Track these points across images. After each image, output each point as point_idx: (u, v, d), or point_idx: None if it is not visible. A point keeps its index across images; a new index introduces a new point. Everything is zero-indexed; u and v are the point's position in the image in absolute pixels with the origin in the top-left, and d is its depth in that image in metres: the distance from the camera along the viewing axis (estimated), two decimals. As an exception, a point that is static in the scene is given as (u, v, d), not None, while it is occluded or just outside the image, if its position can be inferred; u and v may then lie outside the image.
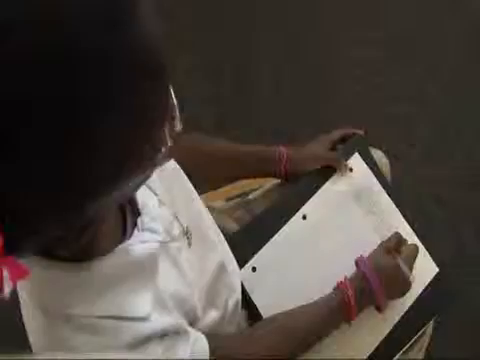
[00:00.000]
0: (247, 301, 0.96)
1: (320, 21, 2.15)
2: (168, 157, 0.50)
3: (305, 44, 2.10)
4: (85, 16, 0.38)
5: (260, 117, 1.95)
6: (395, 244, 0.96)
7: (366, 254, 0.96)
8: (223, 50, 2.12)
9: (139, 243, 0.64)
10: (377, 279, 0.91)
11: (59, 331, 0.58)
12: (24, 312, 0.63)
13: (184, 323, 0.69)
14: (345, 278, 0.93)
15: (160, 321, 0.64)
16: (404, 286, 0.95)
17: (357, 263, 0.95)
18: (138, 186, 0.53)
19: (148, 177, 0.52)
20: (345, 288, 0.91)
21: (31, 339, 0.62)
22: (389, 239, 0.98)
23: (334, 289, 0.93)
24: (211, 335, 0.74)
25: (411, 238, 1.02)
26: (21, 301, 0.63)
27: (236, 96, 2.00)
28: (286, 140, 1.83)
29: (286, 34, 2.13)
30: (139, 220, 0.66)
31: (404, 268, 0.92)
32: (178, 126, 0.49)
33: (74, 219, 0.43)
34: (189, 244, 0.77)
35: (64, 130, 0.38)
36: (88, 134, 0.39)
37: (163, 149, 0.48)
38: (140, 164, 0.46)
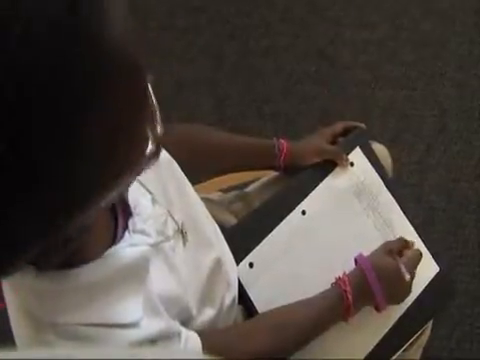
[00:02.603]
0: (243, 296, 0.94)
1: (324, 5, 2.12)
2: (153, 161, 0.47)
3: (308, 29, 2.07)
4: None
5: (260, 104, 1.92)
6: (398, 246, 0.94)
7: (365, 250, 0.94)
8: (223, 33, 2.09)
9: (129, 246, 0.62)
10: (376, 278, 0.89)
11: (46, 338, 0.56)
12: (11, 317, 0.62)
13: (176, 324, 0.68)
14: (344, 274, 0.91)
15: (151, 327, 0.62)
16: (404, 290, 0.93)
17: (356, 260, 0.93)
18: (124, 189, 0.51)
19: (132, 181, 0.50)
20: (343, 284, 0.89)
21: (18, 344, 0.61)
22: (393, 241, 0.96)
23: (332, 285, 0.91)
24: (206, 332, 0.72)
25: (411, 235, 1.00)
26: (8, 306, 0.61)
27: (236, 81, 1.98)
28: (286, 127, 1.82)
29: (289, 18, 2.10)
30: (130, 222, 0.64)
31: (404, 271, 0.90)
32: (159, 129, 0.47)
33: (60, 229, 0.41)
34: (184, 242, 0.76)
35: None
36: (68, 134, 0.37)
37: (147, 150, 0.46)
38: (123, 166, 0.43)
